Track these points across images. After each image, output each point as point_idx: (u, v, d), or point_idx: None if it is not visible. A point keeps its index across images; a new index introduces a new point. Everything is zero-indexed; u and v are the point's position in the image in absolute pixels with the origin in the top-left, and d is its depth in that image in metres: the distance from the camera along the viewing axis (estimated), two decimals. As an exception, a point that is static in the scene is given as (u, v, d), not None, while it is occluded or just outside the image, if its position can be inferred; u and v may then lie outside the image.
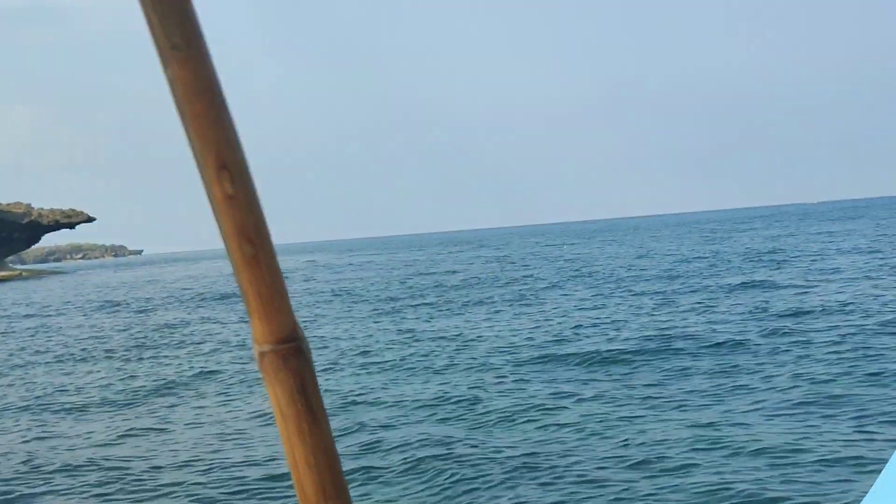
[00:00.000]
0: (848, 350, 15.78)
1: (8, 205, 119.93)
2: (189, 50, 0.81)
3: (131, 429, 14.16)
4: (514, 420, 12.48)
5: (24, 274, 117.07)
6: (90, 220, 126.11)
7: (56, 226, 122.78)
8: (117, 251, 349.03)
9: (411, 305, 32.65)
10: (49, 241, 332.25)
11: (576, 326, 22.31)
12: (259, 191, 0.76)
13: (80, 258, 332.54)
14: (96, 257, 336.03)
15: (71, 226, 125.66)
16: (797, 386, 13.23)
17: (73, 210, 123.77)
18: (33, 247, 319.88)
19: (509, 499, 9.10)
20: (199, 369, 20.40)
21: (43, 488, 11.03)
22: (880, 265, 33.08)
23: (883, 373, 13.60)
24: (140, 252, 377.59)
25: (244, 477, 10.72)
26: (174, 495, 10.31)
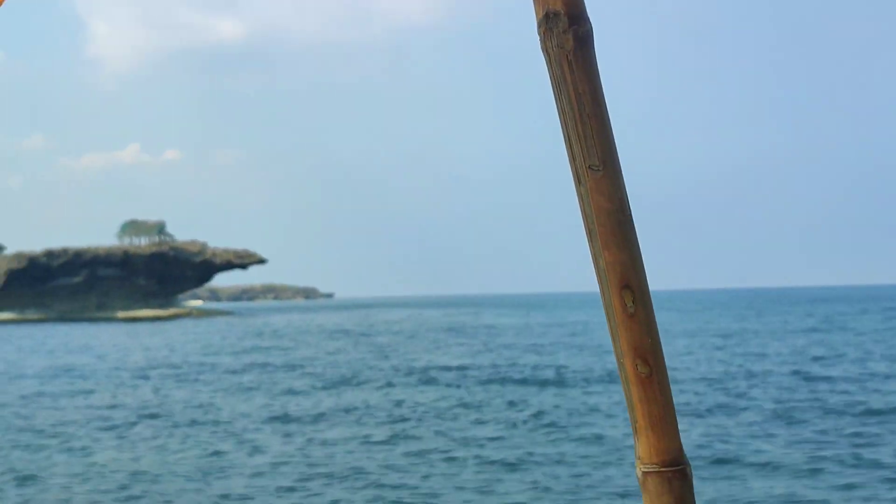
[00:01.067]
0: None
1: (183, 243, 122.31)
2: (605, 170, 0.90)
3: None
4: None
5: (194, 313, 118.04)
6: (262, 261, 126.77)
7: (228, 266, 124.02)
8: (309, 293, 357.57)
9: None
10: (245, 280, 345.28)
11: None
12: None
13: (272, 298, 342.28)
14: (288, 298, 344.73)
15: (243, 266, 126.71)
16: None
17: (245, 251, 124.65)
18: (230, 284, 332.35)
19: None
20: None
21: None
22: None
23: None
24: (331, 295, 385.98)
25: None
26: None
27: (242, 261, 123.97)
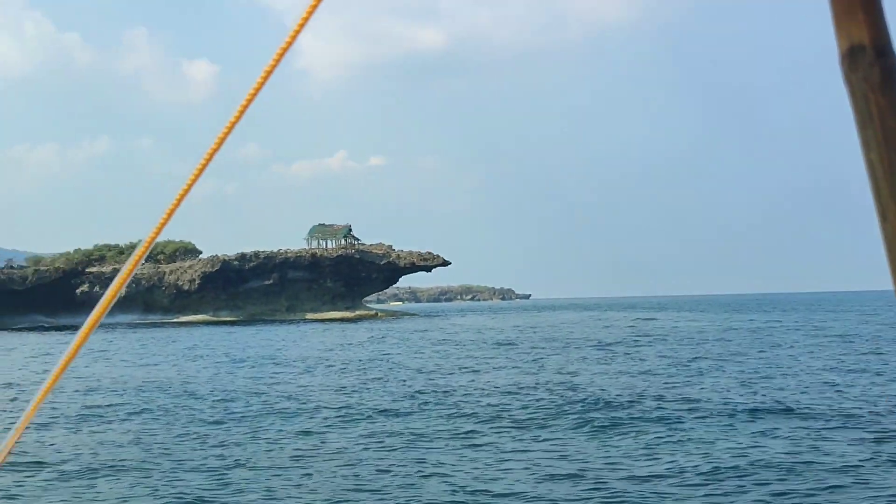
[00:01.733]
0: None
1: (369, 246, 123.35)
2: None
3: None
4: None
5: (379, 315, 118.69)
6: (445, 263, 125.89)
7: (412, 268, 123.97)
8: (505, 294, 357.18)
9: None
10: (444, 281, 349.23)
11: None
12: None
13: (469, 299, 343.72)
14: (485, 299, 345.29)
15: (427, 269, 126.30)
16: None
17: (429, 253, 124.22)
18: (431, 285, 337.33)
19: None
20: None
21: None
22: None
23: None
24: (528, 296, 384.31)
25: None
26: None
27: (426, 263, 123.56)
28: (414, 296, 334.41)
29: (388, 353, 43.36)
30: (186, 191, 1.71)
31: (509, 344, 49.15)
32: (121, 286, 1.67)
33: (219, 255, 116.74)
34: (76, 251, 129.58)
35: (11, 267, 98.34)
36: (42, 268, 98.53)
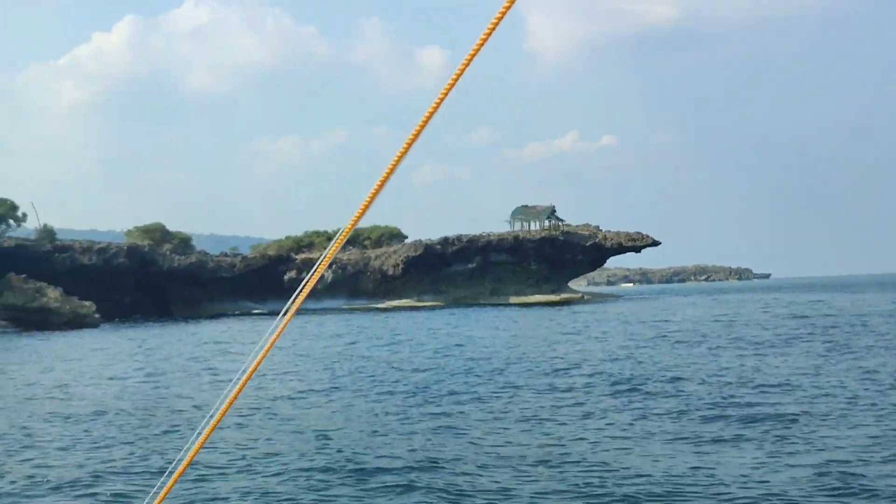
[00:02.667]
0: None
1: (576, 226, 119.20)
2: None
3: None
4: None
5: (585, 297, 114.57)
6: (655, 243, 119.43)
7: (619, 249, 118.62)
8: (742, 274, 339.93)
9: None
10: (677, 262, 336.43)
11: None
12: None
13: (703, 279, 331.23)
14: (720, 279, 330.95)
15: (636, 249, 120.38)
16: None
17: (638, 233, 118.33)
18: (663, 266, 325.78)
19: None
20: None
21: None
22: None
23: None
24: (767, 276, 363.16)
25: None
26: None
27: (634, 243, 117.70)
28: (645, 277, 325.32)
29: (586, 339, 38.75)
30: (387, 177, 1.88)
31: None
32: (320, 272, 2.15)
33: (422, 239, 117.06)
34: (287, 238, 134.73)
35: (225, 254, 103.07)
36: (250, 255, 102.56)
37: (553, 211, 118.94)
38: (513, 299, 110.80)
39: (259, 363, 2.31)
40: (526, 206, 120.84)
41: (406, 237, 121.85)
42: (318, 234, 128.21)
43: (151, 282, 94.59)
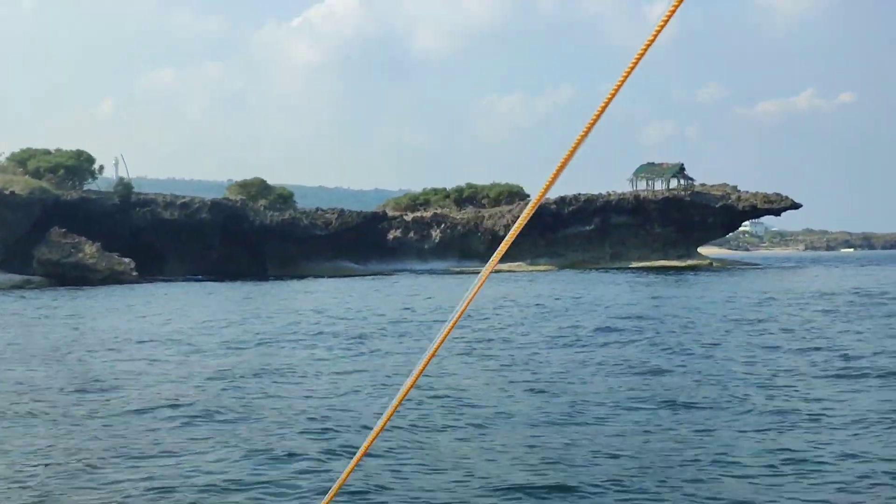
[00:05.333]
0: None
1: (710, 186, 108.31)
2: None
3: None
4: None
5: (714, 264, 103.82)
6: (795, 206, 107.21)
7: (754, 211, 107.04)
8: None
9: None
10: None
11: None
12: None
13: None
14: None
15: (775, 212, 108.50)
16: None
17: (777, 195, 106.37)
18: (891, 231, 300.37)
19: None
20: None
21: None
22: None
23: None
24: None
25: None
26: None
27: (771, 205, 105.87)
28: (868, 241, 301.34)
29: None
30: (583, 137, 1.74)
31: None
32: (513, 235, 2.08)
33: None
34: (405, 195, 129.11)
35: (323, 211, 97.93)
36: (347, 213, 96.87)
37: (681, 169, 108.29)
38: (634, 264, 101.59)
39: (454, 324, 2.22)
40: (652, 163, 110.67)
41: (528, 196, 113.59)
42: (435, 191, 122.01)
43: (243, 238, 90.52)
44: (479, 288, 2.05)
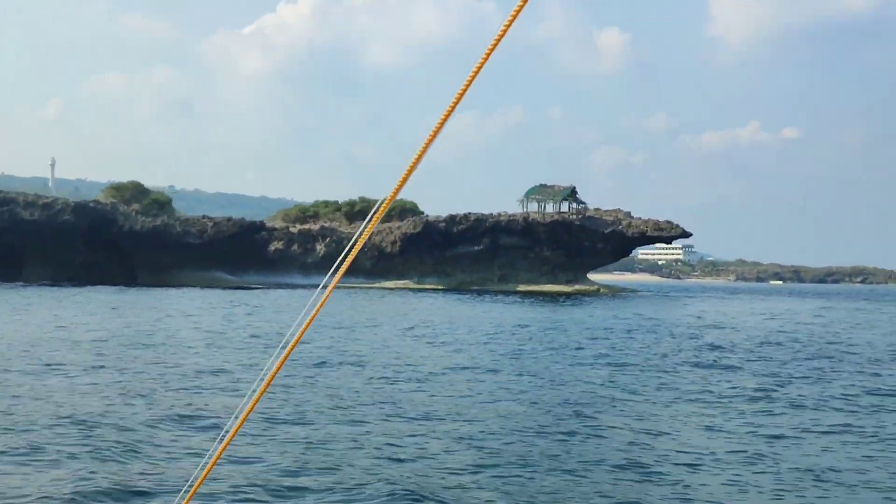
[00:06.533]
0: None
1: (602, 211, 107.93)
2: None
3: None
4: None
5: (601, 290, 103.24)
6: (685, 234, 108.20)
7: (643, 238, 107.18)
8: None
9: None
10: (833, 261, 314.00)
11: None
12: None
13: (859, 281, 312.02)
14: (878, 282, 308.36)
15: (666, 240, 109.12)
16: None
17: (667, 222, 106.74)
18: (818, 265, 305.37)
19: None
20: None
21: None
22: None
23: None
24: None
25: None
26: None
27: (661, 233, 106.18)
28: (797, 275, 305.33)
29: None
30: (422, 154, 1.71)
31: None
32: (359, 246, 2.10)
33: (427, 215, 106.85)
34: (296, 206, 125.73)
35: (201, 218, 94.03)
36: (222, 221, 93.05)
37: (573, 192, 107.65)
38: (521, 287, 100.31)
39: (298, 340, 2.27)
40: (544, 185, 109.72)
41: (423, 213, 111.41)
42: (326, 204, 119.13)
43: (112, 243, 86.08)
44: (319, 308, 2.05)
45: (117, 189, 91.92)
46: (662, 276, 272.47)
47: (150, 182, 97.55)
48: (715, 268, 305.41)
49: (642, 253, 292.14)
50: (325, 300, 2.01)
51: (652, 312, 58.00)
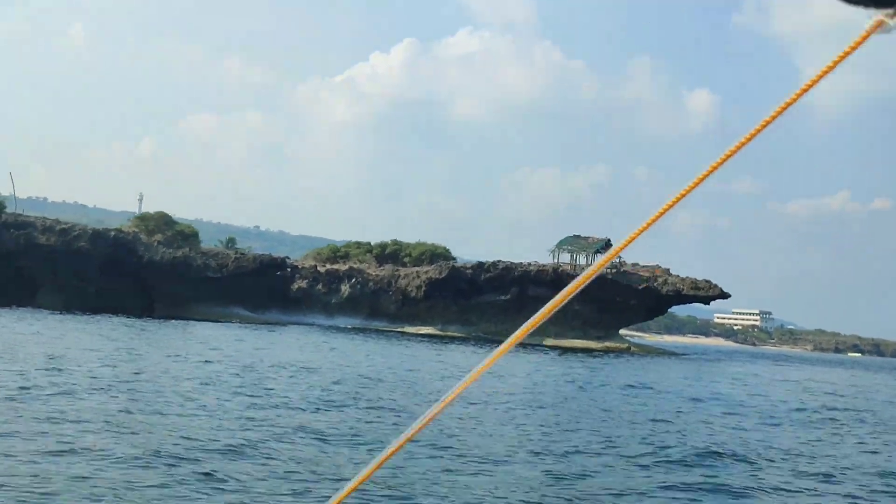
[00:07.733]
0: None
1: (639, 267, 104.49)
2: None
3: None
4: None
5: (633, 349, 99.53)
6: (724, 295, 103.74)
7: (679, 297, 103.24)
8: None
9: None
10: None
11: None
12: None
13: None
14: None
15: (705, 300, 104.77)
16: None
17: (706, 282, 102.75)
18: None
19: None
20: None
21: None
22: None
23: None
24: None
25: None
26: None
27: (698, 292, 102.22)
28: (877, 348, 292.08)
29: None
30: (662, 212, 1.72)
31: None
32: (569, 294, 1.78)
33: (456, 262, 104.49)
34: (328, 246, 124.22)
35: (228, 250, 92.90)
36: (242, 255, 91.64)
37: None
38: (548, 342, 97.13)
39: (460, 390, 1.99)
40: (577, 236, 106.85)
41: (455, 259, 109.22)
42: (358, 244, 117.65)
43: (131, 273, 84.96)
44: (500, 353, 1.77)
45: (142, 219, 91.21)
46: (738, 342, 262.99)
47: (236, 222, 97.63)
48: (792, 336, 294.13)
49: (718, 317, 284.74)
50: (497, 355, 1.69)
51: (658, 377, 54.56)
